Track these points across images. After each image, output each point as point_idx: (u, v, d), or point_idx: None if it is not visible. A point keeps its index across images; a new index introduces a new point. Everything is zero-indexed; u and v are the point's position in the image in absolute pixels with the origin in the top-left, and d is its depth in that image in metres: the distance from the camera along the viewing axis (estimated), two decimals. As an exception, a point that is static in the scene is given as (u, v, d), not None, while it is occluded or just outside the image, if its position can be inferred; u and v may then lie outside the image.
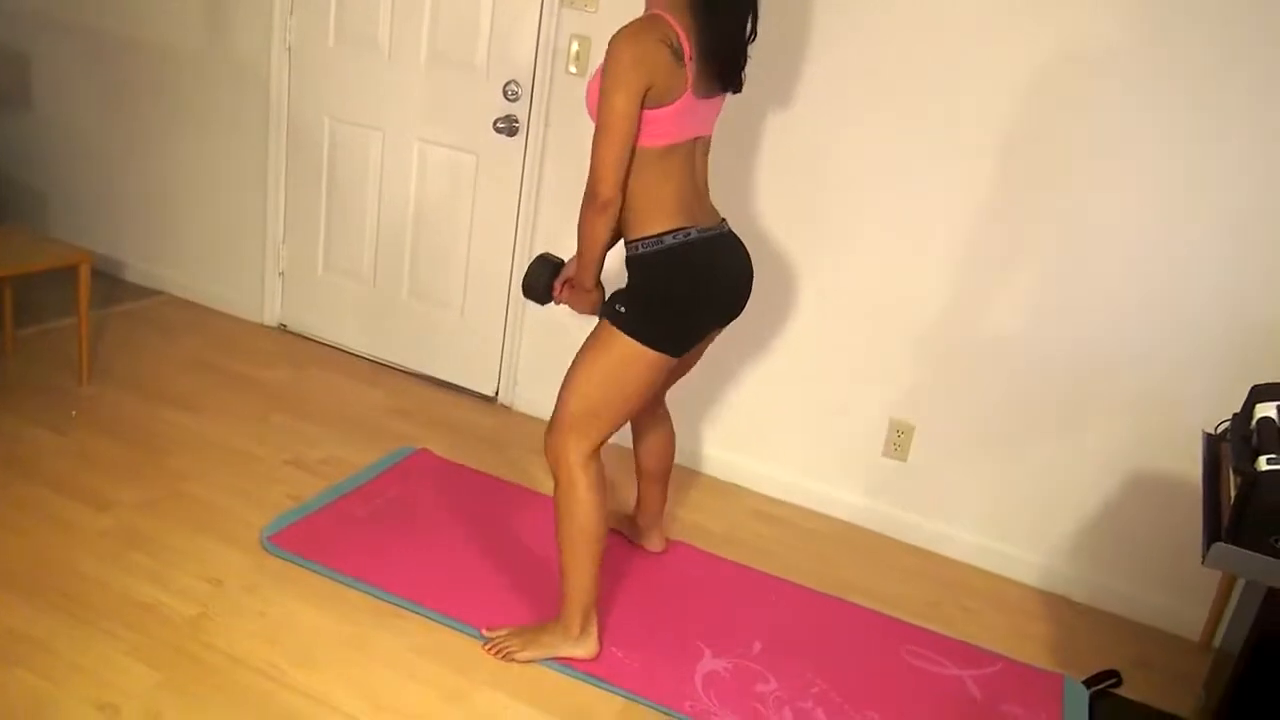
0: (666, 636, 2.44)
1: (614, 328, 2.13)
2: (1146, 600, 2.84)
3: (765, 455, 3.21)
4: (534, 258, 2.37)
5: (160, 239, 4.05)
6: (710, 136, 2.22)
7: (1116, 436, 2.78)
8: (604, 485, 2.22)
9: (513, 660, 2.25)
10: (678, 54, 1.99)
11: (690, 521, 3.00)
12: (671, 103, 2.02)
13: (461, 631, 2.35)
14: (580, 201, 2.09)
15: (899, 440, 3.02)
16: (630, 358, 2.12)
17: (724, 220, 2.27)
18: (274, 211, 3.78)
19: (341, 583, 2.45)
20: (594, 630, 2.31)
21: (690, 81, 2.03)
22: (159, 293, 4.08)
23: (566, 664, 2.28)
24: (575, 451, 2.16)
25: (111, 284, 4.08)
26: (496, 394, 3.59)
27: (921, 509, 3.05)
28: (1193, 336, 2.65)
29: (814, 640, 2.52)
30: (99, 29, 3.90)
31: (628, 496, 2.95)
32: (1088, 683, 2.52)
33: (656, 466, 2.63)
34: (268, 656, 2.17)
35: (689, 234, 2.12)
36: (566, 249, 2.50)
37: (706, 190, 2.24)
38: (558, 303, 2.35)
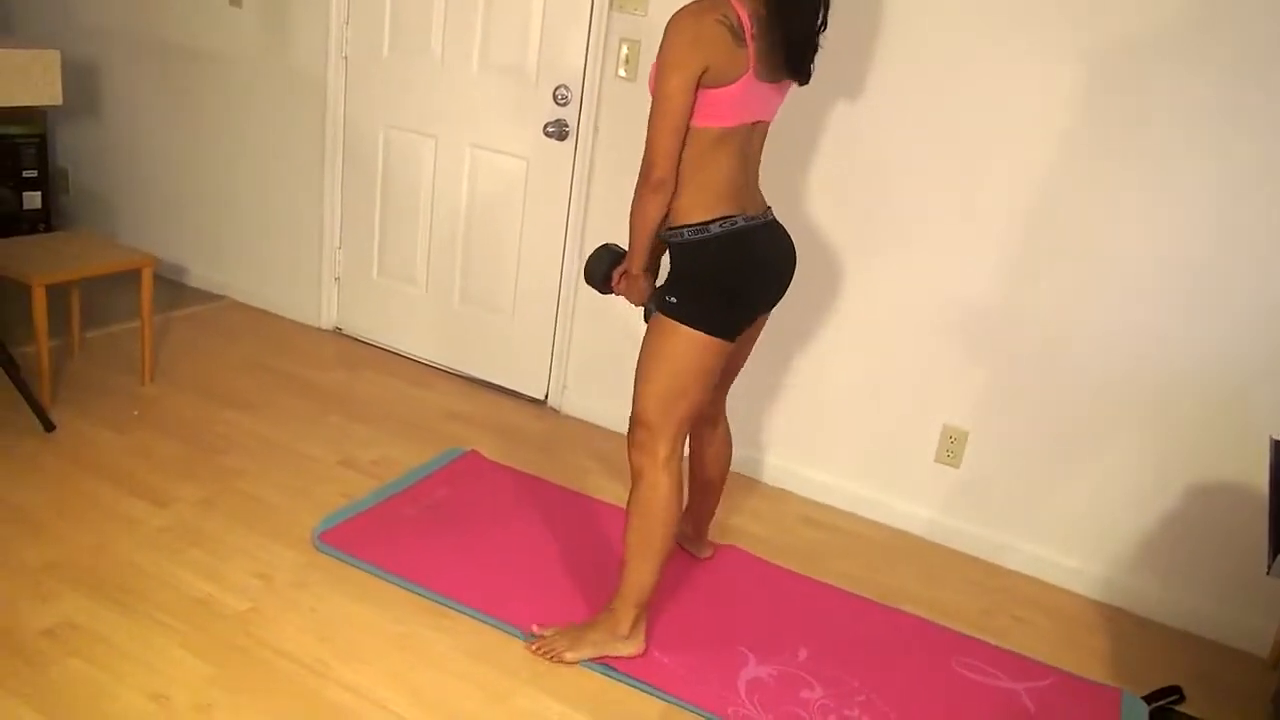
0: (711, 641, 2.42)
1: (668, 318, 2.13)
2: (1211, 614, 2.74)
3: (815, 460, 3.17)
4: (598, 246, 2.39)
5: (221, 245, 4.15)
6: (769, 123, 2.19)
7: (1180, 444, 2.70)
8: (682, 486, 2.22)
9: (560, 661, 2.25)
10: (738, 34, 1.96)
11: (738, 526, 2.97)
12: (730, 83, 1.99)
13: (507, 632, 2.35)
14: (632, 195, 2.09)
15: (952, 447, 2.96)
16: (689, 345, 2.11)
17: (769, 209, 2.25)
18: (330, 218, 3.85)
19: (390, 581, 2.47)
20: (642, 630, 2.31)
21: (752, 63, 2.00)
22: (220, 297, 4.18)
23: (609, 665, 2.27)
24: (661, 447, 2.16)
25: (175, 289, 4.19)
26: (546, 397, 3.60)
27: (974, 517, 2.99)
28: (1263, 341, 2.56)
29: (862, 648, 2.48)
30: (164, 41, 4.01)
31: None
32: (1148, 699, 2.44)
33: (712, 476, 2.61)
34: (316, 652, 2.20)
35: (735, 222, 2.11)
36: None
37: (757, 177, 2.22)
38: (615, 292, 2.36)
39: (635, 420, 2.20)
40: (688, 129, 2.02)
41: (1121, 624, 2.77)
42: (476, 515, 2.82)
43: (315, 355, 3.77)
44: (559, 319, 3.49)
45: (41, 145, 4.28)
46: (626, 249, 2.34)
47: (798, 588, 2.71)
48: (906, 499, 3.07)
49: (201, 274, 4.23)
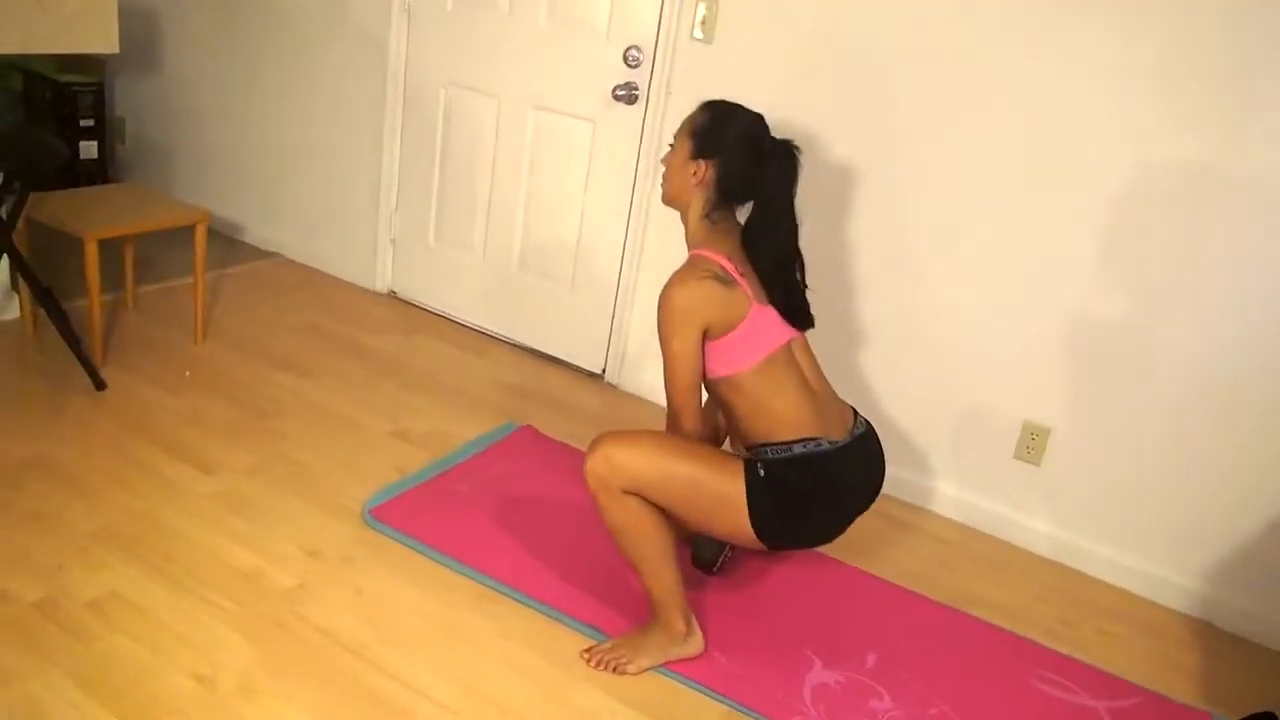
0: (773, 643, 2.30)
1: (742, 473, 2.01)
2: (1309, 635, 2.56)
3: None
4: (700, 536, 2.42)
5: (277, 201, 4.06)
6: (803, 336, 2.15)
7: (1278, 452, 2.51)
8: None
9: (624, 672, 2.13)
10: (725, 280, 2.00)
11: (802, 517, 2.83)
12: (737, 325, 2.01)
13: (562, 622, 2.25)
14: None
15: (1033, 443, 2.79)
16: (727, 505, 2.00)
17: (857, 419, 2.15)
18: (388, 179, 3.74)
19: (440, 562, 2.38)
20: (696, 626, 2.19)
21: (749, 293, 2.02)
22: (274, 254, 4.10)
23: (670, 667, 2.16)
24: (620, 488, 2.01)
25: (228, 244, 4.12)
26: (603, 372, 3.48)
27: (1055, 519, 2.82)
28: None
29: (934, 656, 2.34)
30: (225, -11, 3.91)
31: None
32: (1239, 723, 2.28)
33: None
34: (361, 635, 2.11)
35: (819, 444, 2.03)
36: (682, 230, 2.37)
37: (828, 389, 2.15)
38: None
39: (606, 457, 1.98)
40: (725, 378, 2.04)
41: (1211, 640, 2.60)
42: (530, 495, 2.72)
43: (369, 318, 3.69)
44: (620, 291, 3.36)
45: (99, 94, 4.21)
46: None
47: (862, 585, 2.57)
48: (980, 494, 2.91)
49: (256, 230, 4.16)
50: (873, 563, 2.68)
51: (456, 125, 3.54)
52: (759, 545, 2.06)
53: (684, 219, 2.17)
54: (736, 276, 2.02)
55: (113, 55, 3.67)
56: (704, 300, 1.99)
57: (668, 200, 2.20)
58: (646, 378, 3.37)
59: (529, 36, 3.30)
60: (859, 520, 2.83)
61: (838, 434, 2.07)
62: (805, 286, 2.14)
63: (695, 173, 2.11)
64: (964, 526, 2.93)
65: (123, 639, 2.00)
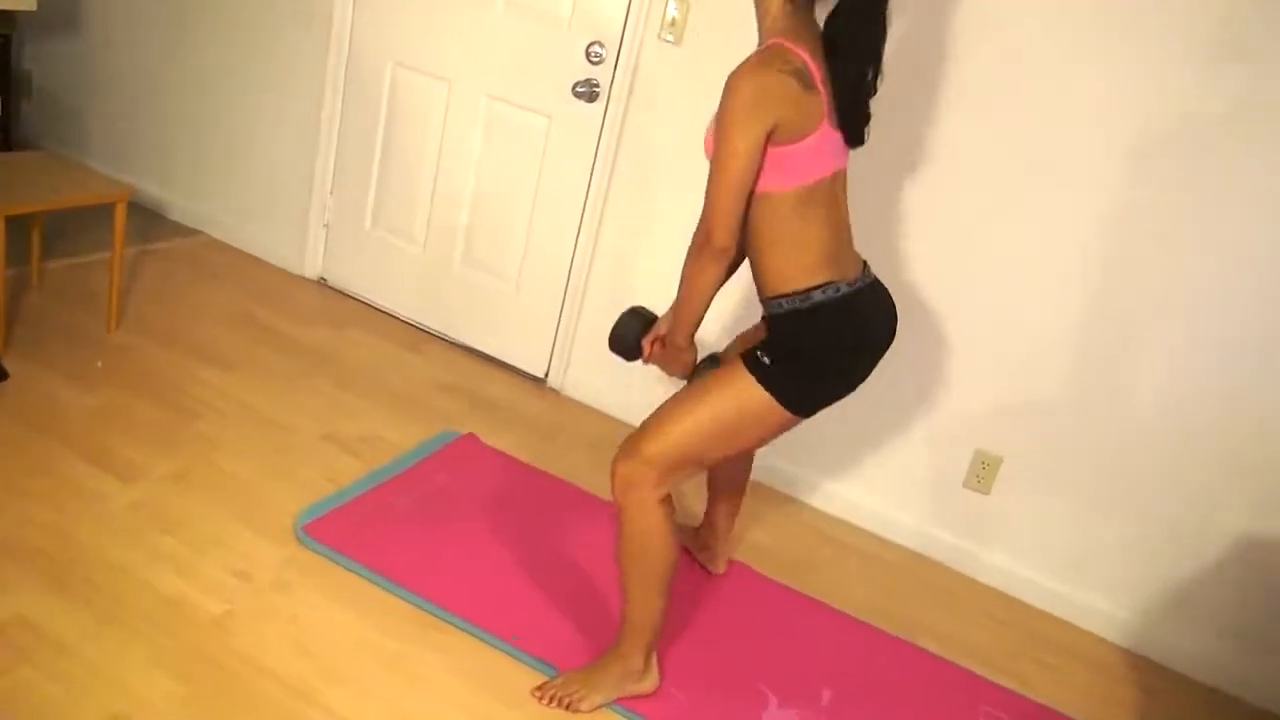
0: (728, 677, 2.24)
1: (750, 376, 1.89)
2: (1241, 672, 2.62)
3: (832, 469, 2.98)
4: (625, 310, 2.16)
5: (204, 176, 3.81)
6: (846, 168, 1.96)
7: (1225, 493, 2.55)
8: (675, 517, 2.00)
9: (577, 710, 2.04)
10: (806, 81, 1.76)
11: (749, 538, 2.78)
12: (806, 136, 1.78)
13: (510, 655, 2.15)
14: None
15: (983, 472, 2.79)
16: (757, 412, 1.89)
17: (866, 264, 2.02)
18: (324, 158, 3.54)
19: (381, 586, 2.25)
20: (655, 664, 2.12)
21: (826, 110, 1.79)
22: (197, 232, 3.85)
23: (624, 704, 2.08)
24: (654, 493, 1.93)
25: (149, 218, 3.85)
26: (546, 375, 3.36)
27: (1002, 549, 2.83)
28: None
29: (888, 692, 2.32)
30: (151, -57, 3.63)
31: (693, 507, 2.74)
32: (1176, 763, 2.32)
33: (733, 485, 2.41)
34: (297, 670, 1.98)
35: (838, 289, 1.88)
36: (638, 232, 2.25)
37: (850, 231, 1.99)
38: (646, 361, 2.13)
39: (637, 453, 1.92)
40: (765, 194, 1.80)
41: (1148, 675, 2.64)
42: (474, 512, 2.59)
43: (298, 307, 3.49)
44: (568, 293, 3.24)
45: (4, 46, 3.88)
46: (657, 314, 2.14)
47: (816, 616, 2.53)
48: (930, 522, 2.90)
49: (178, 204, 3.90)
50: (825, 589, 2.64)
51: (403, 107, 3.36)
52: (795, 421, 1.95)
53: (760, 3, 1.84)
54: (819, 82, 1.77)
55: (28, 9, 3.37)
56: (781, 97, 1.73)
57: None
58: (592, 384, 3.27)
59: (487, 21, 3.13)
60: (809, 543, 2.83)
61: (853, 275, 1.92)
62: (876, 91, 1.87)
63: None
64: (914, 553, 2.91)
65: (29, 672, 1.83)
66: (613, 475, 1.96)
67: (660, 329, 2.10)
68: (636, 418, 3.24)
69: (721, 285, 1.88)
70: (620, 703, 2.08)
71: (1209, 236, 2.44)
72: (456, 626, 2.19)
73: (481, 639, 2.17)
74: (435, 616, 2.21)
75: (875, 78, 1.86)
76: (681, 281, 1.89)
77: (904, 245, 2.74)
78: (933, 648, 2.51)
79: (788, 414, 1.91)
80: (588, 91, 3.01)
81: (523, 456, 2.90)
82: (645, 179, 3.01)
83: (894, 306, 2.03)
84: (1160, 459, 2.60)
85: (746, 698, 2.19)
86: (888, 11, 1.82)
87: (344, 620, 2.14)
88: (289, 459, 2.63)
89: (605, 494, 2.81)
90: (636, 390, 3.17)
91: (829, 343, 1.90)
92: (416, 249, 3.46)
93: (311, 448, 2.71)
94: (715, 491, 2.50)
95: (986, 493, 2.80)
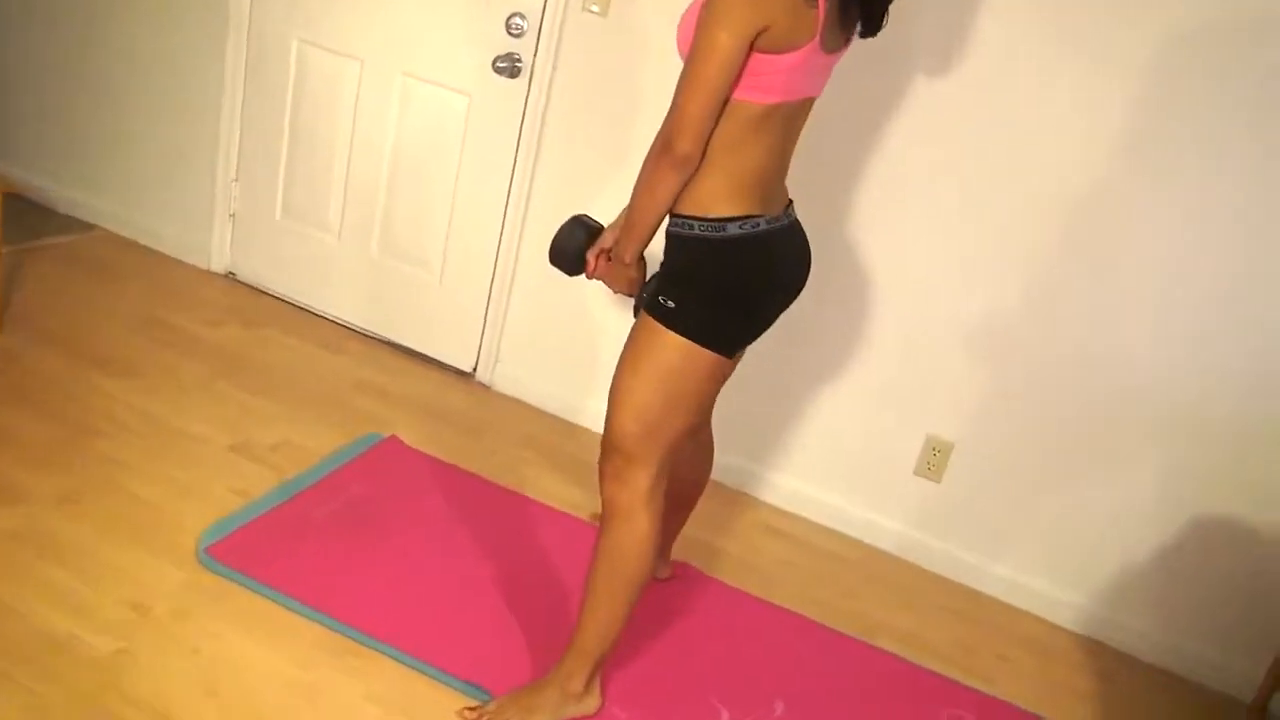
0: (675, 691, 2.10)
1: (661, 326, 1.74)
2: (1194, 653, 2.56)
3: (779, 462, 2.85)
4: (567, 219, 1.95)
5: (99, 167, 3.53)
6: (814, 100, 1.78)
7: (1180, 476, 2.48)
8: (658, 535, 1.85)
9: (513, 735, 1.89)
10: None
11: (695, 537, 2.63)
12: (793, 49, 1.59)
13: (437, 680, 1.98)
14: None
15: (934, 459, 2.68)
16: (685, 361, 1.74)
17: (791, 203, 1.86)
18: (227, 143, 3.29)
19: (293, 610, 2.06)
20: (598, 684, 1.97)
21: (820, 27, 1.60)
22: (92, 227, 3.57)
23: (561, 729, 1.93)
24: (641, 477, 1.80)
25: (35, 213, 3.56)
26: (474, 370, 3.18)
27: (955, 537, 2.72)
28: (1262, 380, 2.34)
29: (843, 699, 2.20)
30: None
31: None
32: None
33: (687, 493, 2.26)
34: (201, 711, 1.79)
35: (757, 224, 1.71)
36: (567, 215, 2.08)
37: (787, 167, 1.82)
38: (590, 276, 1.94)
39: (610, 446, 1.82)
40: (738, 103, 1.61)
41: (1104, 661, 2.57)
42: (398, 521, 2.41)
43: (205, 305, 3.25)
44: (495, 282, 3.05)
45: None
46: (602, 224, 1.95)
47: (767, 620, 2.40)
48: (881, 512, 2.78)
49: (68, 196, 3.61)
50: (777, 590, 2.51)
51: (310, 87, 3.13)
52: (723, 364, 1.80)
53: None
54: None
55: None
56: (777, 1, 1.55)
57: None
58: (522, 376, 3.09)
59: (395, -7, 2.92)
60: (758, 541, 2.70)
61: (776, 211, 1.77)
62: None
63: None
64: (867, 546, 2.80)
65: (-113, 736, 1.62)
66: (600, 478, 1.84)
67: (606, 241, 1.91)
68: (571, 411, 3.13)
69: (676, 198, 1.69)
70: (557, 726, 1.92)
71: (1167, 221, 2.35)
72: (377, 650, 2.01)
73: (404, 663, 2.00)
74: (353, 640, 2.03)
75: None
76: (635, 190, 1.70)
77: (852, 226, 2.61)
78: (891, 647, 2.40)
79: (711, 354, 1.75)
80: (509, 67, 2.82)
81: (450, 458, 2.72)
82: (573, 158, 2.83)
83: (809, 252, 1.88)
84: (1113, 442, 2.51)
85: (695, 713, 2.05)
86: None
87: (252, 651, 1.94)
88: (195, 473, 2.42)
89: (539, 494, 2.65)
90: (570, 382, 3.01)
91: (731, 275, 1.73)
92: (331, 239, 3.24)
93: (220, 460, 2.49)
94: (669, 499, 2.34)
95: (938, 481, 2.70)
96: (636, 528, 1.81)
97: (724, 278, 1.73)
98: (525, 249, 2.98)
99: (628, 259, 1.79)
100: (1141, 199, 2.36)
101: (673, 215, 1.73)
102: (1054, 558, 2.64)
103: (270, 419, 2.71)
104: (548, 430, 2.99)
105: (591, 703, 1.96)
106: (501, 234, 2.99)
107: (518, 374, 3.11)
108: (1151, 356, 2.43)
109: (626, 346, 1.80)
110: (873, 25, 1.74)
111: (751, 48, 1.57)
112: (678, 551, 2.49)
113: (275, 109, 3.19)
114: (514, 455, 2.83)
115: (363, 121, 3.08)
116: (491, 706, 1.92)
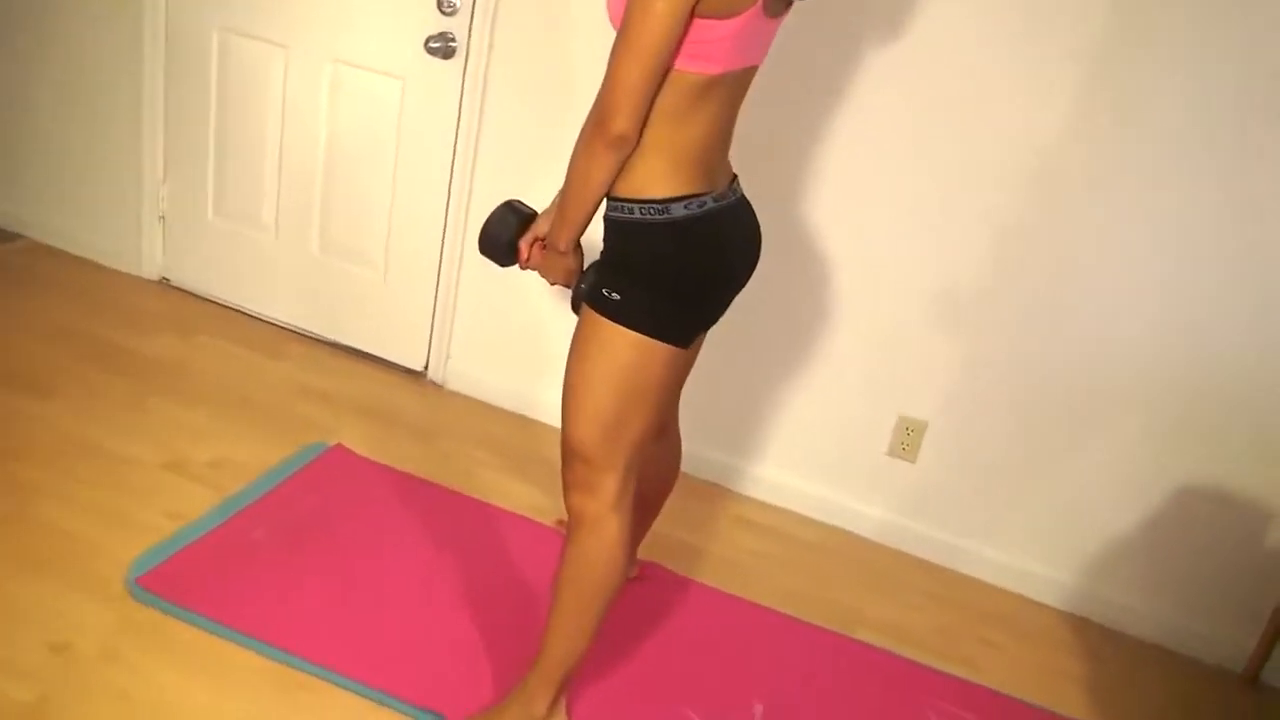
0: (647, 704, 1.97)
1: (607, 321, 1.60)
2: (1183, 626, 2.48)
3: (747, 449, 2.73)
4: (499, 205, 1.80)
5: (14, 171, 3.32)
6: (757, 69, 1.64)
7: (1161, 446, 2.39)
8: (627, 547, 1.72)
9: (470, 768, 1.76)
10: None
11: (665, 534, 2.50)
12: (734, 14, 1.45)
13: (390, 707, 1.85)
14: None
15: (908, 438, 2.57)
16: (638, 356, 1.60)
17: (735, 177, 1.72)
18: (151, 142, 3.10)
19: (235, 642, 1.91)
20: (563, 706, 1.84)
21: None
22: (17, 237, 3.37)
23: (526, 754, 1.80)
24: (607, 482, 1.66)
25: (-49, 224, 3.36)
26: (425, 368, 3.03)
27: (931, 518, 2.62)
28: (1263, 343, 2.24)
29: (826, 699, 2.09)
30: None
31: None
32: (1133, 737, 2.15)
33: (654, 491, 2.12)
34: (132, 762, 1.65)
35: (703, 203, 1.58)
36: (515, 197, 1.93)
37: (731, 141, 1.68)
38: (524, 266, 1.79)
39: (570, 453, 1.68)
40: (678, 73, 1.47)
41: (1091, 639, 2.48)
42: (347, 537, 2.26)
43: (138, 313, 3.07)
44: (442, 274, 2.90)
45: None
46: (535, 210, 1.80)
47: (741, 617, 2.28)
48: (854, 497, 2.67)
49: (-13, 206, 3.41)
50: (751, 585, 2.39)
51: (235, 78, 2.95)
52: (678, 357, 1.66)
53: None
54: None
55: None
56: None
57: None
58: (475, 373, 2.95)
59: (318, -26, 2.75)
60: (730, 533, 2.58)
61: (721, 187, 1.64)
62: None
63: None
64: (842, 532, 2.69)
65: None
66: (564, 487, 1.70)
67: (540, 228, 1.76)
68: (529, 406, 2.98)
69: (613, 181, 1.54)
70: (523, 751, 1.80)
71: (1138, 188, 2.24)
72: (328, 681, 1.87)
73: (355, 692, 1.86)
74: (302, 671, 1.88)
75: None
76: (569, 174, 1.56)
77: (809, 200, 2.48)
78: (872, 639, 2.29)
79: (665, 346, 1.61)
80: (443, 47, 2.65)
81: (401, 465, 2.57)
82: (515, 140, 2.68)
83: (759, 230, 1.75)
84: (1092, 412, 2.41)
85: (669, 725, 1.93)
86: None
87: (190, 692, 1.80)
88: (124, 498, 2.26)
89: (499, 499, 2.52)
90: (526, 376, 2.87)
91: (677, 259, 1.59)
92: (268, 237, 3.07)
93: (152, 481, 2.33)
94: (637, 493, 2.20)
95: (913, 461, 2.59)
96: (605, 535, 1.68)
97: (671, 264, 1.59)
98: (471, 238, 2.82)
99: (563, 247, 1.64)
100: (1113, 156, 2.24)
101: (610, 199, 1.59)
102: (1035, 534, 2.54)
103: (207, 433, 2.55)
104: (505, 428, 2.85)
105: (557, 723, 1.83)
106: (445, 223, 2.84)
107: (471, 371, 2.96)
108: (1130, 324, 2.33)
109: (573, 345, 1.67)
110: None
111: (692, 14, 1.42)
112: (646, 551, 2.37)
113: (199, 103, 3.01)
114: (470, 458, 2.69)
115: (292, 112, 2.91)
116: (450, 733, 1.79)
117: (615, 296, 1.59)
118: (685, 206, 1.56)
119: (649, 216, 1.56)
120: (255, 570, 2.10)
